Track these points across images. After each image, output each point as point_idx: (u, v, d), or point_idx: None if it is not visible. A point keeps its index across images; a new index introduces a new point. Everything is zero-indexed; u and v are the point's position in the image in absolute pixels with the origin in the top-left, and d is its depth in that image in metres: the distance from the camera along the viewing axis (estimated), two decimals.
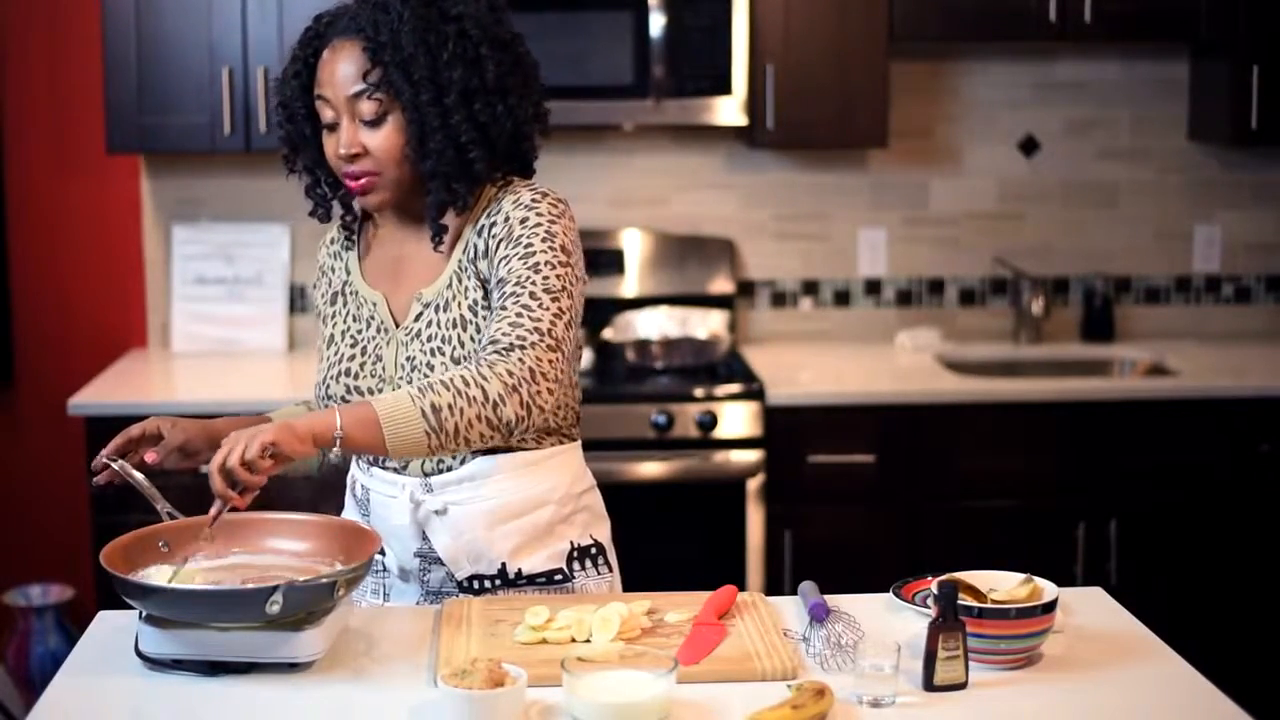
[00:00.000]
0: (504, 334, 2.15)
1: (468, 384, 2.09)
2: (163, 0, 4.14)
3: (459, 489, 2.27)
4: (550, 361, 2.15)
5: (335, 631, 2.02)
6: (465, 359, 2.21)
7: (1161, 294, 4.74)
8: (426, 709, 1.88)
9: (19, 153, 4.50)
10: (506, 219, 2.23)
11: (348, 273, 2.37)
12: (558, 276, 2.19)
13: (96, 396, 4.01)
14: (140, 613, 1.99)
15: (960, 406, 4.09)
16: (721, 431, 4.03)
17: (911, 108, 4.59)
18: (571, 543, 2.34)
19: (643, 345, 4.28)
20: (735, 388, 4.07)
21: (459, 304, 2.24)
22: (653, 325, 4.39)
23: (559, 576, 2.32)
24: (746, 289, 4.65)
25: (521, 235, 2.21)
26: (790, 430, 4.05)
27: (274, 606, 1.89)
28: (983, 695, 1.93)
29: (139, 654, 2.00)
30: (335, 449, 2.04)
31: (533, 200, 2.24)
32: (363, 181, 2.22)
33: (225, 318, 4.51)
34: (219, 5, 4.14)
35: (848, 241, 4.66)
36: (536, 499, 2.30)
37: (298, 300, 4.55)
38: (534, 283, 2.18)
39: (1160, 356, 4.48)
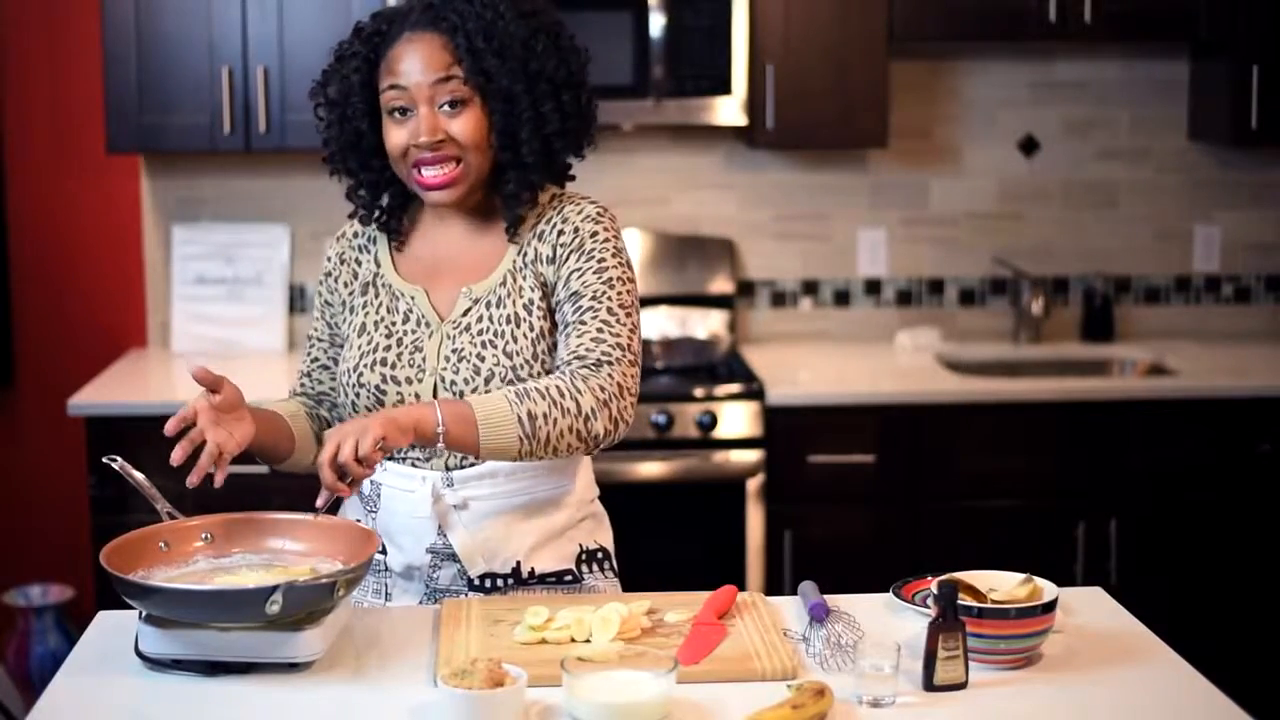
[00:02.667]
0: (588, 350, 2.22)
1: (563, 395, 2.15)
2: (163, 0, 4.14)
3: (479, 484, 2.28)
4: (632, 376, 2.25)
5: (335, 631, 2.02)
6: (517, 353, 2.24)
7: (1161, 294, 4.74)
8: (426, 709, 1.88)
9: (19, 153, 4.50)
10: (576, 230, 2.28)
11: (377, 265, 2.36)
12: (628, 292, 2.28)
13: (96, 396, 4.01)
14: (140, 613, 1.99)
15: (960, 406, 4.09)
16: (721, 431, 4.03)
17: (911, 108, 4.59)
18: (580, 545, 2.36)
19: (643, 345, 4.27)
20: (735, 388, 4.07)
21: (513, 301, 2.27)
22: (653, 325, 4.38)
23: (569, 577, 2.34)
24: (746, 289, 4.65)
25: (594, 249, 2.27)
26: (790, 430, 4.04)
27: (274, 606, 1.89)
28: (983, 695, 1.93)
29: (139, 654, 2.00)
30: (439, 444, 2.10)
31: (598, 214, 2.30)
32: (446, 173, 2.22)
33: (225, 318, 4.51)
34: (219, 5, 4.14)
35: (848, 241, 4.66)
36: (554, 500, 2.32)
37: (297, 300, 4.55)
38: (610, 298, 2.25)
39: (1160, 356, 4.48)
